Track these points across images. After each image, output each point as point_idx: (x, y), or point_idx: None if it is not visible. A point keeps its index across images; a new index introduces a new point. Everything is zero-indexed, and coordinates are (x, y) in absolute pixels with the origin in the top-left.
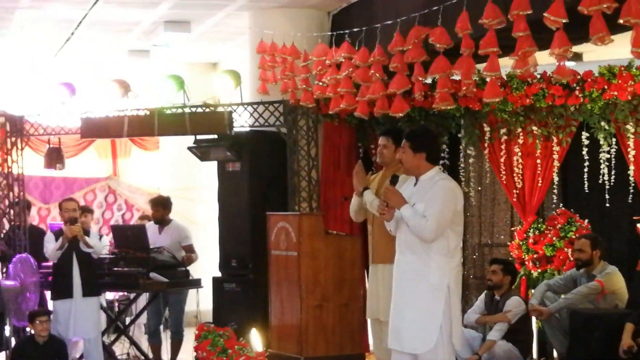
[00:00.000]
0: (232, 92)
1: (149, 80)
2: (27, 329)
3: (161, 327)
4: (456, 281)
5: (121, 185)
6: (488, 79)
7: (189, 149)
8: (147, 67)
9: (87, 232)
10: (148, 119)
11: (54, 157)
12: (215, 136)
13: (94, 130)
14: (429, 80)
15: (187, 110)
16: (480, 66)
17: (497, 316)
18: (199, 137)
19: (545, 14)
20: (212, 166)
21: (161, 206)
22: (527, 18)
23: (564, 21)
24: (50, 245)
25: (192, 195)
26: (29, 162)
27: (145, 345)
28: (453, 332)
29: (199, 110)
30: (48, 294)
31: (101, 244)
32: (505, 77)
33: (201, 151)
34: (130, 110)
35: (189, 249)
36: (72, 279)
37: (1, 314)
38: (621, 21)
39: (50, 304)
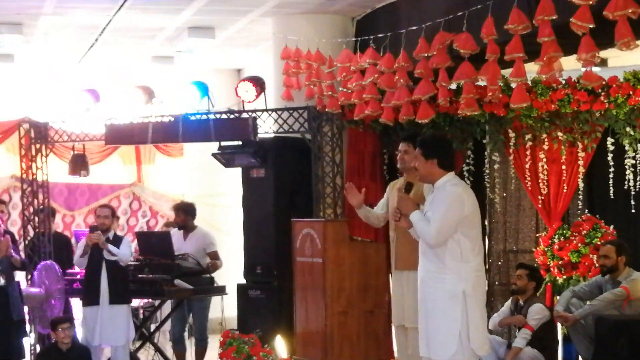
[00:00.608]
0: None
1: (173, 87)
2: (52, 337)
3: (185, 334)
4: (474, 286)
5: (145, 192)
6: (514, 85)
7: (214, 155)
8: (171, 74)
9: (119, 238)
10: (172, 125)
11: (79, 163)
12: (240, 142)
13: (118, 136)
14: (453, 86)
15: (211, 116)
16: (505, 72)
17: (515, 317)
18: (224, 143)
19: (572, 19)
20: (236, 172)
21: (182, 211)
22: (552, 23)
23: (590, 26)
24: (78, 252)
25: (216, 201)
26: (53, 169)
27: (170, 352)
28: (471, 337)
29: (224, 116)
30: (73, 300)
31: (129, 251)
32: (530, 83)
33: (225, 157)
34: (155, 117)
35: (214, 256)
36: (99, 286)
37: (21, 322)
38: None
39: (76, 311)
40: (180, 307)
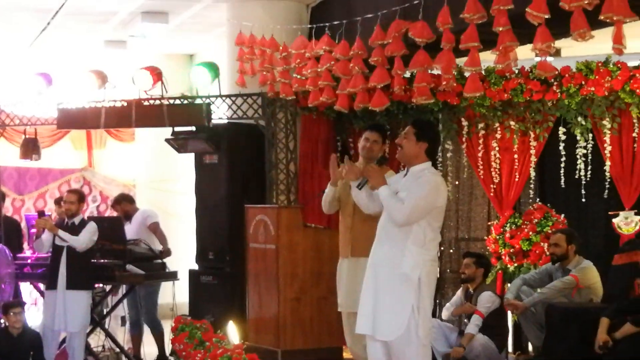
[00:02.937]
0: (210, 84)
1: (126, 72)
2: (1, 321)
3: (143, 318)
4: (428, 274)
5: (96, 177)
6: (467, 74)
7: (167, 140)
8: (124, 58)
9: (85, 224)
10: (125, 110)
11: (30, 147)
12: (193, 128)
13: (70, 121)
14: (407, 75)
15: (164, 102)
16: (460, 60)
17: (465, 306)
18: (177, 128)
19: (527, 9)
20: (189, 158)
21: (116, 202)
22: (508, 13)
23: (546, 17)
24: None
25: (168, 187)
26: (2, 153)
27: (120, 337)
28: (420, 323)
29: (177, 102)
30: (23, 285)
31: (88, 237)
32: (483, 72)
33: (179, 143)
34: (107, 102)
35: (154, 228)
36: (58, 270)
37: None
38: (602, 17)
39: (26, 296)
40: (133, 292)
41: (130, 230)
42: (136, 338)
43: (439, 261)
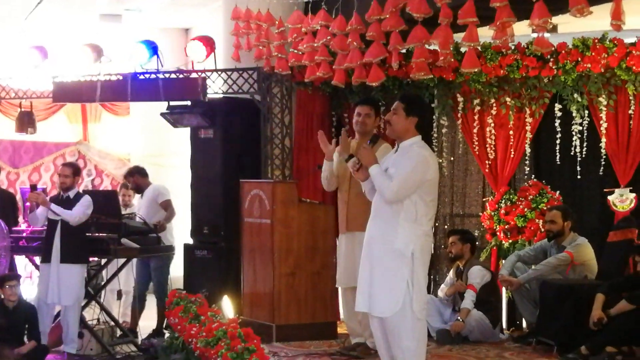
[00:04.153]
0: (206, 58)
1: (122, 46)
2: None
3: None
4: (422, 249)
5: (91, 151)
6: (464, 49)
7: (162, 115)
8: (119, 32)
9: (79, 197)
10: (121, 84)
11: (26, 121)
12: (189, 102)
13: (66, 94)
14: (403, 50)
15: (160, 76)
16: (457, 36)
17: (456, 285)
18: (172, 103)
19: None
20: (184, 133)
21: (129, 175)
22: None
23: None
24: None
25: (163, 161)
26: None
27: (115, 310)
28: (414, 298)
29: (173, 76)
30: (18, 258)
31: (82, 211)
32: (479, 48)
33: (174, 117)
34: (103, 75)
35: (166, 205)
36: (52, 244)
37: None
38: None
39: (21, 269)
40: (143, 266)
41: (142, 205)
42: (136, 312)
43: (433, 237)
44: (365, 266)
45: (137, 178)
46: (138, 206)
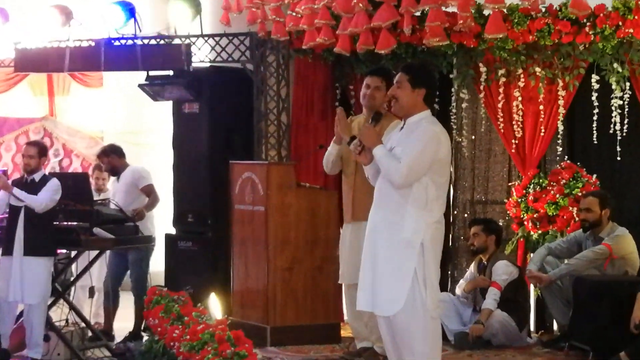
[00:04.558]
0: (191, 22)
1: (94, 7)
2: None
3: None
4: (433, 239)
5: (58, 127)
6: (487, 12)
7: (140, 86)
8: None
9: (46, 181)
10: (93, 51)
11: None
12: (171, 72)
13: (30, 63)
14: (417, 13)
15: (138, 42)
16: None
17: (477, 280)
18: (152, 73)
19: None
20: (166, 107)
21: (103, 154)
22: None
23: None
24: None
25: (141, 140)
26: None
27: (87, 310)
28: (427, 295)
29: (152, 42)
30: None
31: (48, 197)
32: (505, 10)
33: (154, 89)
34: (73, 41)
35: (148, 191)
36: (14, 234)
37: None
38: None
39: None
40: (118, 258)
41: (118, 189)
42: (109, 311)
43: (451, 227)
44: (367, 259)
45: (112, 159)
46: (113, 191)
